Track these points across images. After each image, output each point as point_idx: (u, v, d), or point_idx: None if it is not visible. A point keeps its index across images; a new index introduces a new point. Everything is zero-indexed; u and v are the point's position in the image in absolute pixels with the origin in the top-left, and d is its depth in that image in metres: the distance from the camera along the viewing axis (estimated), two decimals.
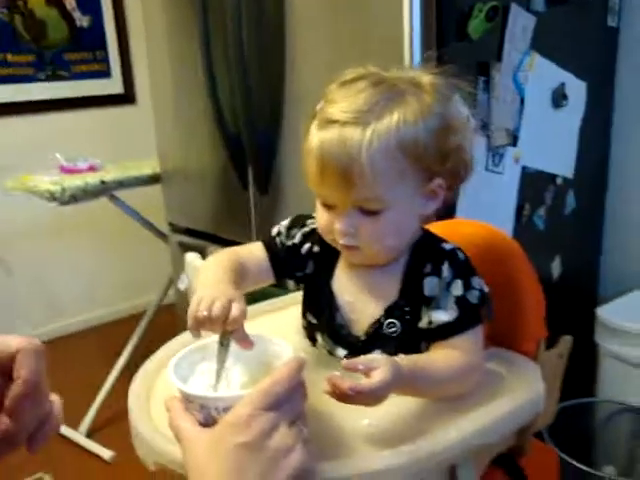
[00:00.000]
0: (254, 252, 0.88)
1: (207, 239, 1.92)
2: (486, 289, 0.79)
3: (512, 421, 0.75)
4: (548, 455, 0.98)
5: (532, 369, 0.83)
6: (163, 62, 1.92)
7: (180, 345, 0.94)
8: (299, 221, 0.91)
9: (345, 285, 0.85)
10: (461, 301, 0.76)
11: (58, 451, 2.09)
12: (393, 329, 0.80)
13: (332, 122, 0.73)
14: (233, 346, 0.72)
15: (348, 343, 0.83)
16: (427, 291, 0.78)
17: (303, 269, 0.88)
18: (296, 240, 0.88)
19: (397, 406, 0.74)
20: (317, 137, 0.74)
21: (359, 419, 0.72)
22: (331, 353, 0.86)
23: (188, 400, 0.64)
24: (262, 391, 0.59)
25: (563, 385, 0.95)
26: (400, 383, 0.68)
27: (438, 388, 0.75)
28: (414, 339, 0.80)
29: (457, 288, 0.77)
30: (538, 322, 0.90)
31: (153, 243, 2.41)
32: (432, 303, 0.77)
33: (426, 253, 0.80)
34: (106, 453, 2.09)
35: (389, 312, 0.80)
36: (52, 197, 1.84)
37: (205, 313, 0.68)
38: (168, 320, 2.17)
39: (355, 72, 0.78)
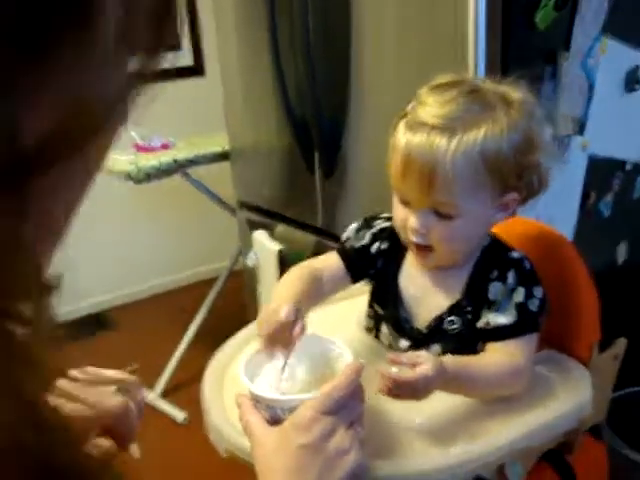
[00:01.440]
0: (328, 261, 0.94)
1: (275, 218, 1.98)
2: (546, 299, 0.82)
3: (558, 426, 0.79)
4: (598, 451, 1.01)
5: (582, 375, 0.86)
6: (231, 38, 1.96)
7: (249, 334, 1.02)
8: (367, 223, 0.96)
9: (412, 280, 0.90)
10: (521, 307, 0.81)
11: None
12: (454, 326, 0.85)
13: (422, 125, 0.77)
14: (297, 346, 0.78)
15: (410, 336, 0.89)
16: (491, 295, 0.83)
17: (374, 267, 0.93)
18: (365, 241, 0.93)
19: (447, 406, 0.79)
20: (405, 137, 0.79)
21: (412, 418, 0.78)
22: (392, 346, 0.92)
23: (256, 400, 0.71)
24: (323, 396, 0.65)
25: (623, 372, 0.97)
26: (443, 380, 0.72)
27: (483, 389, 0.80)
28: (472, 338, 0.84)
29: (519, 295, 0.81)
30: (592, 325, 0.92)
31: (221, 220, 2.50)
32: (493, 306, 0.82)
33: (494, 259, 0.85)
34: (179, 415, 2.21)
35: (452, 310, 0.85)
36: (128, 176, 1.94)
37: (268, 332, 0.75)
38: (238, 286, 2.29)
39: (450, 77, 0.82)
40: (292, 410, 0.67)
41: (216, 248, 2.91)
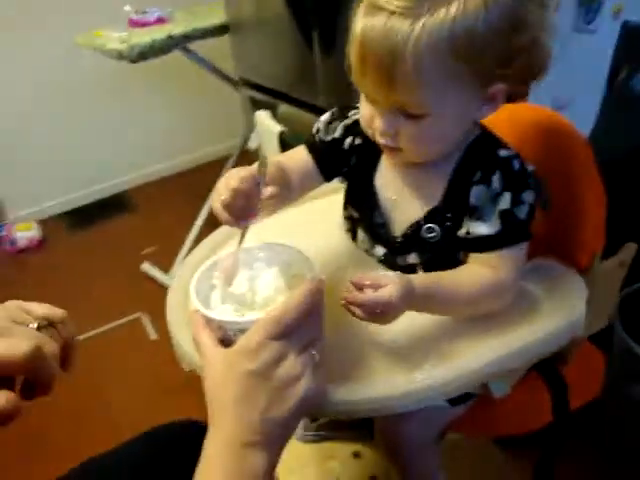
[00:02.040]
0: (296, 157, 0.84)
1: (277, 97, 1.86)
2: (538, 203, 0.72)
3: (543, 346, 0.72)
4: (595, 360, 0.95)
5: (577, 287, 0.77)
6: None
7: (224, 236, 0.96)
8: (341, 113, 0.85)
9: (389, 182, 0.80)
10: (505, 215, 0.71)
11: (151, 293, 2.29)
12: (432, 234, 0.76)
13: (379, 9, 0.64)
14: (264, 252, 0.72)
15: (386, 242, 0.81)
16: (473, 200, 0.72)
17: (347, 164, 0.84)
18: (337, 134, 0.83)
19: (419, 323, 0.73)
20: (361, 23, 0.66)
21: (379, 336, 0.72)
22: (369, 252, 0.85)
23: (207, 319, 0.66)
24: (272, 319, 0.59)
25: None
26: (412, 301, 0.66)
27: (459, 309, 0.73)
28: (453, 247, 0.76)
29: (504, 202, 0.70)
30: (596, 231, 0.83)
31: (231, 99, 2.37)
32: (475, 214, 0.72)
33: (479, 159, 0.73)
34: None
35: (430, 216, 0.76)
36: (120, 56, 1.81)
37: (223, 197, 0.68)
38: (250, 164, 2.19)
39: None
40: (243, 332, 0.61)
41: (229, 127, 2.82)
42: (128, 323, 2.18)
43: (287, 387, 0.59)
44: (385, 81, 0.66)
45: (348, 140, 0.82)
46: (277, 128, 1.67)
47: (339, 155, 0.83)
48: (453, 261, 0.75)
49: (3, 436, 1.46)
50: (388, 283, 0.64)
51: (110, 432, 1.71)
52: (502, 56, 0.65)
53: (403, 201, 0.79)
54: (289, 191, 0.80)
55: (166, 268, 2.38)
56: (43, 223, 2.82)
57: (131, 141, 2.99)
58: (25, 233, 2.65)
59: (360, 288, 0.66)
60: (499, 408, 0.85)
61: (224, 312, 0.67)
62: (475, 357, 0.68)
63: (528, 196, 0.71)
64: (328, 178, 0.86)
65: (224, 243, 0.94)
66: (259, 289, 0.70)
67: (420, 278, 0.69)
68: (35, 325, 0.57)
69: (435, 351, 0.70)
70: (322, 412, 0.66)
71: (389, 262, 0.82)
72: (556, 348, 0.73)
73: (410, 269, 0.79)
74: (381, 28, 0.63)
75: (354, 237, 0.88)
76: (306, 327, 0.61)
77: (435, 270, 0.76)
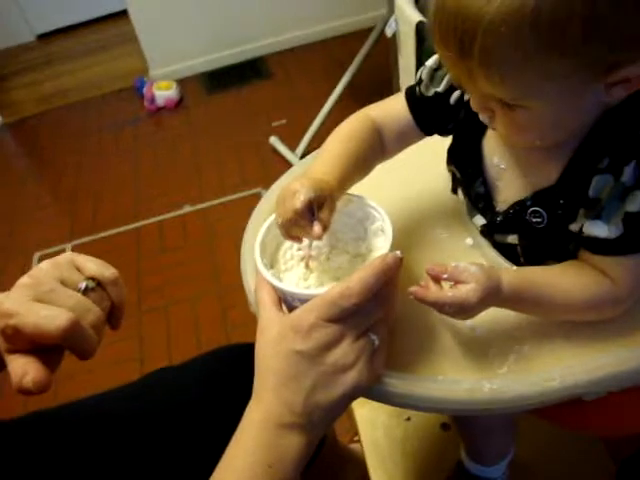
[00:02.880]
0: (394, 110, 0.72)
1: None
2: None
3: None
4: None
5: None
6: None
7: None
8: None
9: (497, 147, 0.67)
10: (633, 220, 0.55)
11: (274, 169, 2.29)
12: (538, 219, 0.63)
13: None
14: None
15: (486, 214, 0.69)
16: (592, 191, 0.57)
17: (455, 118, 0.70)
18: (441, 88, 0.69)
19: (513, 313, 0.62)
20: None
21: (464, 324, 0.63)
22: (471, 217, 0.73)
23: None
24: (329, 301, 0.53)
25: None
26: (495, 303, 0.58)
27: (557, 315, 0.61)
28: (561, 238, 0.63)
29: (635, 202, 0.54)
30: None
31: None
32: (594, 208, 0.57)
33: (610, 140, 0.56)
34: None
35: (538, 198, 0.62)
36: None
37: (280, 220, 0.60)
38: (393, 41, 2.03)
39: None
40: (304, 302, 0.56)
41: None
42: (248, 197, 2.21)
43: (337, 373, 0.53)
44: (461, 67, 0.52)
45: (456, 94, 0.68)
46: (416, 17, 1.48)
47: (444, 111, 0.70)
48: (561, 252, 0.63)
49: None
50: (469, 281, 0.55)
51: (216, 295, 1.81)
52: (617, 39, 0.47)
53: (512, 171, 0.65)
54: (381, 153, 0.72)
55: (294, 144, 2.34)
56: (182, 83, 2.86)
57: (277, 4, 2.86)
58: (164, 92, 2.71)
59: (437, 280, 0.57)
60: (589, 407, 0.75)
61: (287, 277, 0.62)
62: (562, 375, 0.58)
63: None
64: (429, 133, 0.74)
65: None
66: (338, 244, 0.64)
67: (511, 276, 0.58)
68: (83, 285, 0.55)
69: (516, 353, 0.61)
70: (373, 399, 0.61)
71: (488, 235, 0.70)
72: None
73: (509, 248, 0.68)
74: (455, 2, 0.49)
75: (456, 193, 0.77)
76: (368, 310, 0.54)
77: (537, 256, 0.64)
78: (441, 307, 0.56)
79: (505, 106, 0.54)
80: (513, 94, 0.52)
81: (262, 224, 0.65)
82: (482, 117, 0.60)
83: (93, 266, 0.58)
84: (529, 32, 0.46)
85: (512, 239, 0.66)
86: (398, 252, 0.56)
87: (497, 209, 0.67)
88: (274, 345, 0.55)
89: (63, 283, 0.54)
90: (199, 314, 1.80)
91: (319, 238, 0.58)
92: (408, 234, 0.75)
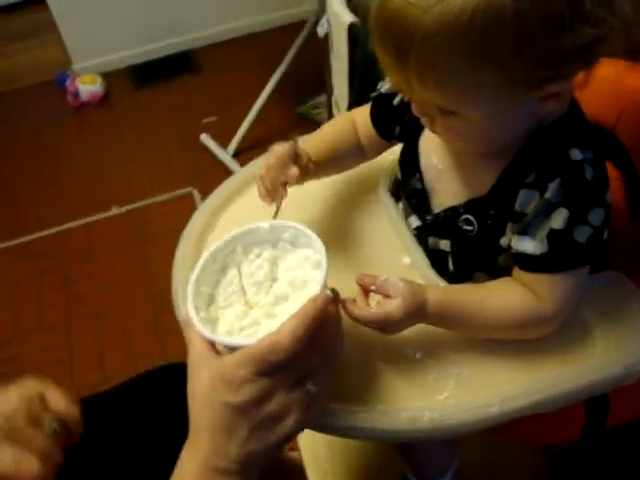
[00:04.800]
0: (364, 113, 0.76)
1: None
2: (605, 233, 0.57)
3: (588, 392, 0.61)
4: None
5: None
6: None
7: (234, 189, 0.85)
8: None
9: (436, 147, 0.68)
10: (556, 237, 0.56)
11: (205, 167, 2.23)
12: (469, 227, 0.64)
13: None
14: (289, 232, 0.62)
15: (421, 214, 0.71)
16: (518, 205, 0.58)
17: (400, 122, 0.71)
18: (384, 89, 0.72)
19: (449, 335, 0.63)
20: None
21: (400, 346, 0.62)
22: (406, 221, 0.75)
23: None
24: (258, 357, 0.50)
25: None
26: (420, 319, 0.59)
27: (482, 332, 0.62)
28: (491, 250, 0.64)
29: (558, 219, 0.56)
30: None
31: None
32: (520, 223, 0.58)
33: (539, 155, 0.58)
34: None
35: (470, 206, 0.64)
36: None
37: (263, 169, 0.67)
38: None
39: None
40: (233, 350, 0.53)
41: None
42: (178, 197, 2.15)
43: (272, 423, 0.52)
44: (399, 68, 0.53)
45: (399, 97, 0.69)
46: (348, 18, 1.46)
47: (389, 113, 0.71)
48: (490, 264, 0.64)
49: None
50: (396, 296, 0.56)
51: (148, 301, 1.76)
52: (548, 55, 0.49)
53: (448, 174, 0.66)
54: (360, 155, 0.78)
55: (224, 142, 2.29)
56: (108, 77, 2.74)
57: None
58: (89, 87, 2.59)
59: (366, 292, 0.58)
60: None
61: (225, 315, 0.59)
62: (502, 400, 0.58)
63: (596, 216, 0.56)
64: (387, 139, 0.75)
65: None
66: (279, 275, 0.61)
67: (438, 294, 0.59)
68: (52, 429, 0.56)
69: (456, 377, 0.61)
70: (313, 429, 0.59)
71: (421, 239, 0.72)
72: (608, 389, 0.62)
73: (440, 256, 0.69)
74: (398, 9, 0.50)
75: (397, 202, 0.77)
76: (302, 360, 0.52)
77: (467, 267, 0.65)
78: (365, 323, 0.57)
79: (443, 113, 0.55)
80: (448, 102, 0.53)
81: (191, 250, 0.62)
82: (423, 121, 0.60)
83: (61, 404, 0.58)
84: (463, 43, 0.48)
85: (445, 245, 0.67)
86: (328, 292, 0.53)
87: (432, 208, 0.68)
88: (206, 392, 0.52)
89: (32, 421, 0.54)
90: (131, 321, 1.74)
91: (296, 181, 0.65)
92: (345, 253, 0.74)
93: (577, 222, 0.56)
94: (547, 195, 0.56)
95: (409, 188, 0.71)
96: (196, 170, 2.25)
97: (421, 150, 0.69)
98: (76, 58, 2.73)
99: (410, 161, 0.70)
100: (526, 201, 0.57)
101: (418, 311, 0.57)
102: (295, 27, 2.32)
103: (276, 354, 0.50)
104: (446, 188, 0.67)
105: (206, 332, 0.54)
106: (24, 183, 2.31)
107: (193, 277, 0.59)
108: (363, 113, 0.76)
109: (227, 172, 2.22)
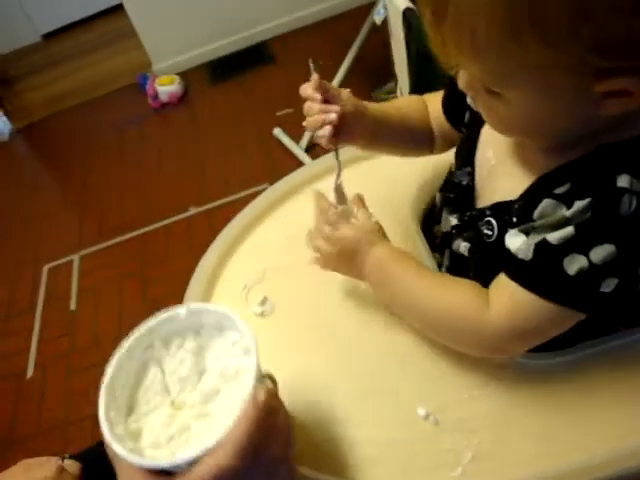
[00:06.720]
0: (437, 98, 0.71)
1: None
2: (611, 284, 0.46)
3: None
4: None
5: None
6: None
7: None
8: None
9: (495, 139, 0.59)
10: (545, 252, 0.48)
11: (279, 163, 2.20)
12: (488, 232, 0.56)
13: None
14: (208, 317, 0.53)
15: (463, 212, 0.63)
16: (537, 214, 0.50)
17: (469, 106, 0.64)
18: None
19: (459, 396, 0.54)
20: None
21: (412, 406, 0.55)
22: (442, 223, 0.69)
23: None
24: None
25: None
26: (361, 266, 0.60)
27: (412, 319, 0.60)
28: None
29: (557, 234, 0.47)
30: None
31: None
32: (527, 224, 0.51)
33: (585, 172, 0.48)
34: None
35: (495, 209, 0.56)
36: None
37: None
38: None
39: None
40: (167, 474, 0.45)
41: None
42: (254, 194, 2.13)
43: None
44: (438, 35, 0.46)
45: None
46: (403, 4, 1.36)
47: (462, 96, 0.62)
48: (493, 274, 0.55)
49: None
50: (351, 229, 0.60)
51: None
52: (614, 43, 0.40)
53: (497, 172, 0.59)
54: (424, 142, 0.73)
55: (297, 136, 2.25)
56: (186, 74, 2.77)
57: None
58: (167, 87, 2.62)
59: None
60: None
61: (150, 422, 0.50)
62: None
63: (601, 253, 0.45)
64: (456, 125, 0.69)
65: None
66: (208, 366, 0.52)
67: (392, 251, 0.59)
68: None
69: (474, 450, 0.52)
70: None
71: (451, 241, 0.65)
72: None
73: (461, 260, 0.61)
74: None
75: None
76: (250, 469, 0.44)
77: (486, 275, 0.55)
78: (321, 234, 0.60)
79: (486, 91, 0.48)
80: (485, 77, 0.47)
81: None
82: (469, 97, 0.55)
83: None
84: (506, 6, 0.40)
85: (464, 248, 0.61)
86: (265, 386, 0.46)
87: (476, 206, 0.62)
88: None
89: None
90: None
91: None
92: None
93: (575, 249, 0.46)
94: (572, 211, 0.47)
95: (455, 179, 0.64)
96: (271, 165, 2.23)
97: (480, 142, 0.63)
98: (156, 59, 2.79)
99: (466, 152, 0.64)
100: (544, 210, 0.49)
101: (365, 247, 0.58)
102: (365, 9, 2.22)
103: (221, 474, 0.42)
104: (494, 186, 0.59)
105: (133, 458, 0.45)
106: (110, 187, 2.40)
107: (106, 380, 0.49)
108: (436, 97, 0.71)
109: (301, 166, 2.18)
